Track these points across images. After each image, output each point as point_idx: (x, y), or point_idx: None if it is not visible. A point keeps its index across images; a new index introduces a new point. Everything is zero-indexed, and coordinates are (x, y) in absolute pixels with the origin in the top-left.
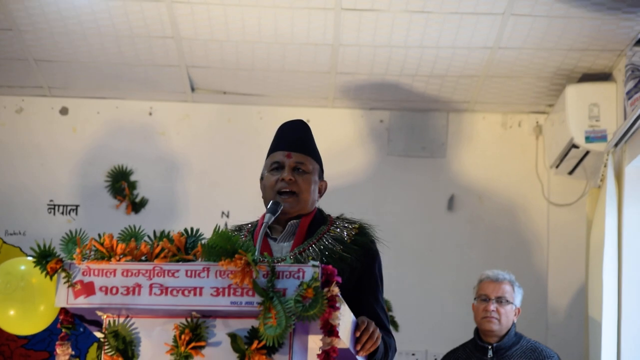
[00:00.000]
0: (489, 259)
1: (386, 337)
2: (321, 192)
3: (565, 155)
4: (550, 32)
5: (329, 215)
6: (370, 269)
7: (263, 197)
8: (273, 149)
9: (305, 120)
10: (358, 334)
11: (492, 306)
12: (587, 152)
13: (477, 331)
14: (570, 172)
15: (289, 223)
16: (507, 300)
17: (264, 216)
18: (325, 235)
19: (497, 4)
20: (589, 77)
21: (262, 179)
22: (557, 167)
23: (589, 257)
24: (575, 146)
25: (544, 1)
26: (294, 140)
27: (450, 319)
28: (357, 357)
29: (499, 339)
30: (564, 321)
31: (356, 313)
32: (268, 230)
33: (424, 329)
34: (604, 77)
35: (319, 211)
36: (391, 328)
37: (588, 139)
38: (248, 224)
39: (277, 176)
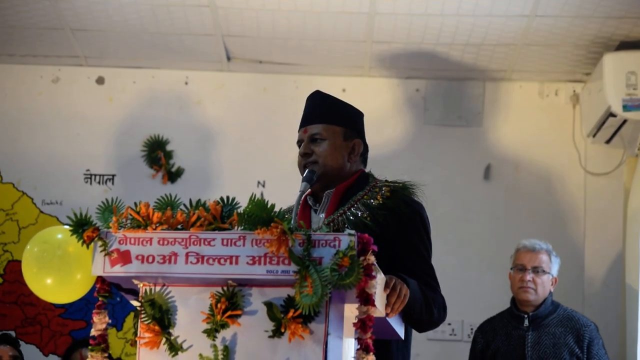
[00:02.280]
0: (525, 229)
1: (430, 292)
2: (355, 152)
3: (603, 124)
4: (587, 0)
5: (376, 179)
6: (404, 233)
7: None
8: (299, 128)
9: (340, 89)
10: (387, 292)
11: (529, 276)
12: (625, 121)
13: (513, 300)
14: (608, 141)
15: (325, 193)
16: (544, 270)
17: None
18: (358, 202)
19: None
20: (626, 45)
21: None
22: (594, 136)
23: (626, 225)
24: (612, 115)
25: None
26: (309, 114)
27: (486, 289)
28: (388, 319)
29: (535, 308)
30: (600, 290)
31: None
32: (311, 202)
33: (460, 299)
34: None
35: (365, 176)
36: (439, 289)
37: (625, 108)
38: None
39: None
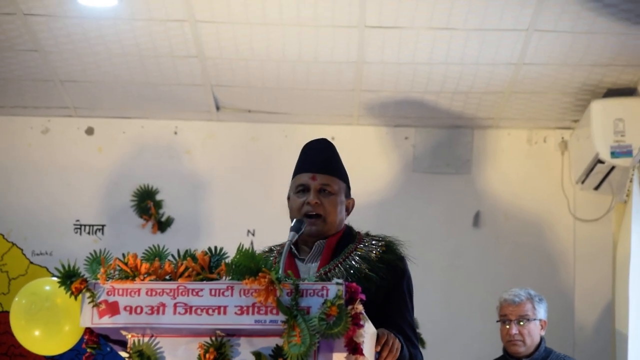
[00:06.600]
0: (515, 276)
1: (412, 349)
2: (349, 210)
3: (591, 170)
4: (574, 48)
5: (359, 232)
6: (398, 287)
7: (290, 218)
8: (298, 170)
9: (330, 138)
10: (378, 349)
11: (514, 330)
12: (613, 167)
13: (505, 348)
14: (596, 188)
15: (316, 243)
16: (528, 319)
17: None
18: (352, 254)
19: (521, 20)
20: (614, 92)
21: (288, 198)
22: (582, 182)
23: (616, 272)
24: (600, 161)
25: (568, 17)
26: (319, 161)
27: (477, 336)
28: None
29: (528, 355)
30: (591, 336)
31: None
32: (296, 251)
33: (451, 346)
34: (629, 92)
35: (348, 229)
36: (419, 345)
37: (613, 154)
38: (278, 246)
39: (303, 199)
